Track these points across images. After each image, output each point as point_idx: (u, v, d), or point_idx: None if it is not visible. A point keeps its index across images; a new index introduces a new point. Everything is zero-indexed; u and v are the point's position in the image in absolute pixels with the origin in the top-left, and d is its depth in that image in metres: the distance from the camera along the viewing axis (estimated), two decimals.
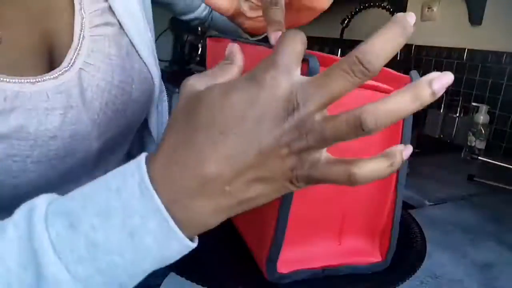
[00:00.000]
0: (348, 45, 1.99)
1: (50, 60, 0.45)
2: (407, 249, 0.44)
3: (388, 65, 0.27)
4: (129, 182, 0.27)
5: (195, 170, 0.26)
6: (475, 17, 1.41)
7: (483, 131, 1.24)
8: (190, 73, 2.59)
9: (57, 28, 0.46)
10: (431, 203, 0.91)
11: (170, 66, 2.86)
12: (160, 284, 0.51)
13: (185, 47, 2.83)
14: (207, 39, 0.53)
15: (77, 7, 0.47)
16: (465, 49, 1.46)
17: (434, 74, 0.25)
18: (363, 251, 0.40)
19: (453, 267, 0.65)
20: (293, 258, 0.38)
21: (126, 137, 0.58)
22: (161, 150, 0.28)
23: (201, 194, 0.26)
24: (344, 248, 0.40)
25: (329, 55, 0.45)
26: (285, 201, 0.35)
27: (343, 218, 0.39)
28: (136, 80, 0.52)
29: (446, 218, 0.83)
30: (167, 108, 0.63)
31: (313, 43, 2.23)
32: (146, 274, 0.29)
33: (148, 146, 0.63)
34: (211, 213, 0.27)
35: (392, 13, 1.60)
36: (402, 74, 0.37)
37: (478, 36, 1.43)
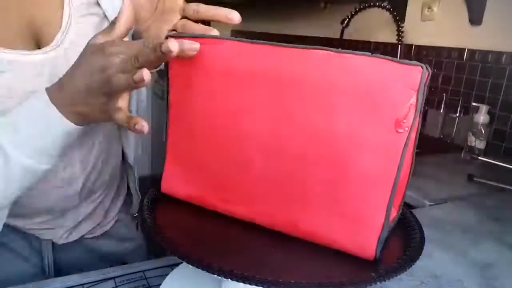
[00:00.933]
0: (348, 45, 1.99)
1: (38, 44, 0.54)
2: (404, 245, 0.44)
3: None
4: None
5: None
6: (475, 17, 1.41)
7: (483, 131, 1.24)
8: None
9: (46, 16, 0.54)
10: (431, 203, 0.91)
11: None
12: (160, 285, 0.51)
13: None
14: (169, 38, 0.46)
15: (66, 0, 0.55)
16: (465, 49, 1.46)
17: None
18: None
19: (453, 267, 0.65)
20: None
21: None
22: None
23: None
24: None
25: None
26: None
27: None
28: None
29: (446, 218, 0.83)
30: (145, 95, 0.69)
31: (313, 43, 2.23)
32: (45, 147, 0.45)
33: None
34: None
35: (392, 13, 1.60)
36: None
37: (478, 36, 1.43)
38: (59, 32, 0.54)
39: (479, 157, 1.15)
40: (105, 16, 0.58)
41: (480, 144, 1.25)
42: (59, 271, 0.70)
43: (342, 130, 0.37)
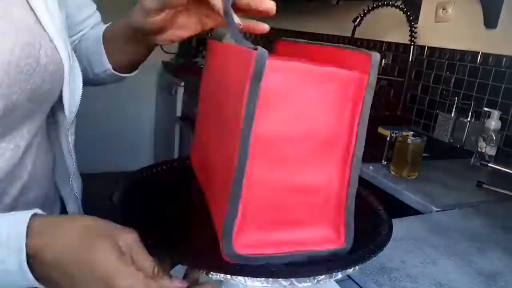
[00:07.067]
0: (359, 44, 1.97)
1: None
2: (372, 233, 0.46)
3: (400, 65, 0.25)
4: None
5: None
6: (490, 20, 1.38)
7: (494, 137, 1.22)
8: (197, 66, 2.56)
9: None
10: (438, 209, 0.90)
11: (177, 59, 2.81)
12: None
13: (192, 40, 2.79)
14: (210, 42, 0.48)
15: None
16: (479, 52, 1.43)
17: None
18: (324, 238, 0.41)
19: (458, 276, 0.63)
20: (254, 242, 0.38)
21: (38, 107, 0.54)
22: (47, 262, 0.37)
23: None
24: (305, 235, 0.40)
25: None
26: (239, 169, 0.35)
27: (304, 205, 0.39)
28: (44, 46, 0.50)
29: (453, 225, 0.82)
30: (81, 85, 0.59)
31: (325, 40, 2.21)
32: None
33: (61, 125, 0.61)
34: None
35: (405, 13, 1.58)
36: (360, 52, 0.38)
37: (492, 40, 1.40)
38: None
39: (489, 164, 1.13)
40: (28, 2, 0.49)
41: (490, 151, 1.22)
42: None
43: None
